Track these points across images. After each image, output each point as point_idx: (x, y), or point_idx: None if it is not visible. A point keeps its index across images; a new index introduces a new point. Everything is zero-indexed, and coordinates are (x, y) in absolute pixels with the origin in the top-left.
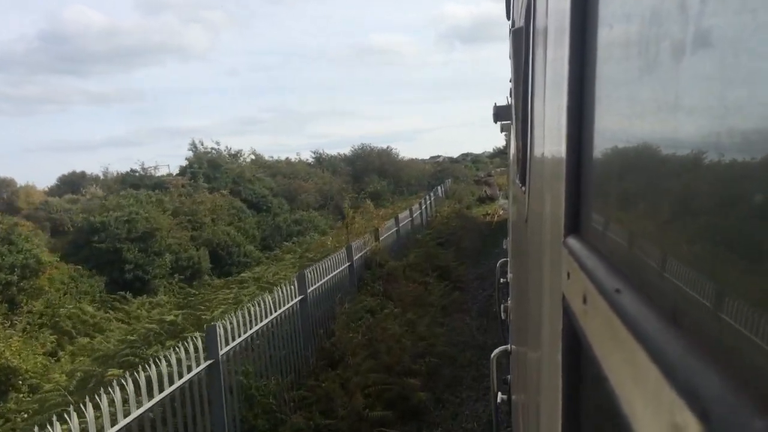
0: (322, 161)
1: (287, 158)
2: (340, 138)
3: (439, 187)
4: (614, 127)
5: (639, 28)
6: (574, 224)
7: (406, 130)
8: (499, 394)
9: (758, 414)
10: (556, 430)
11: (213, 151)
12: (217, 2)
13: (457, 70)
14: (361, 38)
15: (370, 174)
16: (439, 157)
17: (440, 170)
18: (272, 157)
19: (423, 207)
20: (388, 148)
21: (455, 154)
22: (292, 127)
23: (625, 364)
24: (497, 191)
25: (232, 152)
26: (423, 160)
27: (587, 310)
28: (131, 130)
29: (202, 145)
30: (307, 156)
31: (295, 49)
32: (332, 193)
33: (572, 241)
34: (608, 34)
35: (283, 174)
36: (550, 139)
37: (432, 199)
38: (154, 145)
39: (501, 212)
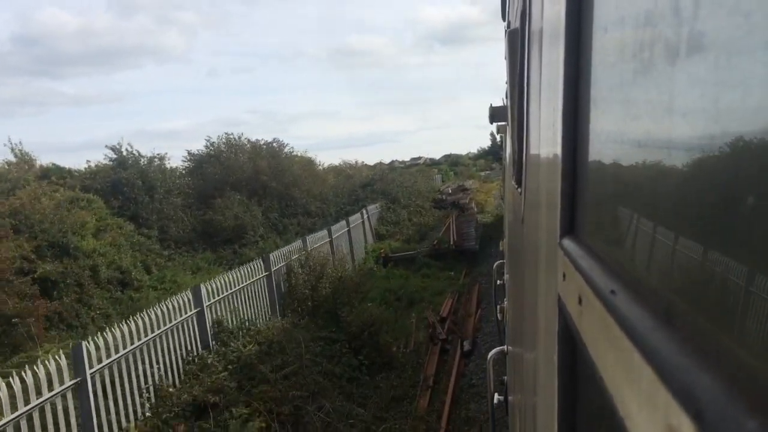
0: (126, 166)
1: (41, 163)
2: (323, 140)
3: (347, 221)
4: (609, 128)
5: (633, 30)
6: (570, 225)
7: (389, 131)
8: (496, 395)
9: (752, 414)
10: (552, 431)
11: None
12: (188, 2)
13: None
14: (338, 39)
15: (228, 191)
16: (420, 158)
17: (367, 184)
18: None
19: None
20: (273, 141)
21: (438, 155)
22: (276, 128)
23: (621, 365)
24: (473, 215)
25: None
26: (369, 166)
27: (583, 311)
28: (112, 133)
29: None
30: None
31: (273, 50)
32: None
33: (568, 243)
34: (603, 36)
35: None
36: (546, 140)
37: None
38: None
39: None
